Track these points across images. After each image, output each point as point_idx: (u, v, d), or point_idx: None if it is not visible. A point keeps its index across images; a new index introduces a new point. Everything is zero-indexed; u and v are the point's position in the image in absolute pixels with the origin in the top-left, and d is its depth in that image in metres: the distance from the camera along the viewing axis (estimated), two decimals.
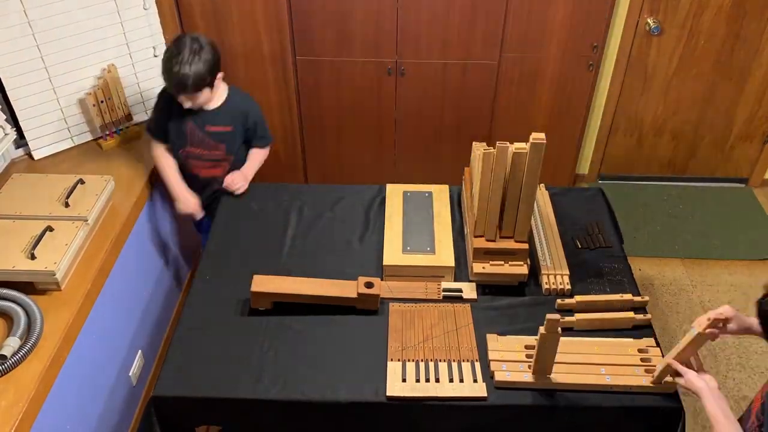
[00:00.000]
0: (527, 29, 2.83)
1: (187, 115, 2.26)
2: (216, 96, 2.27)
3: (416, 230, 2.11)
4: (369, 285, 1.88)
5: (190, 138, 2.30)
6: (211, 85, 2.18)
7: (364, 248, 2.14)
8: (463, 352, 1.79)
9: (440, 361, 1.76)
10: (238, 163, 2.40)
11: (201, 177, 2.39)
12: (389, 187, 2.31)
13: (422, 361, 1.76)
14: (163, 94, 2.32)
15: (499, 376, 1.71)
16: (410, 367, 1.74)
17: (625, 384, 1.69)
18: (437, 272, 2.00)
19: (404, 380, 1.70)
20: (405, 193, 2.28)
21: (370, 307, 1.90)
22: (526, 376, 1.69)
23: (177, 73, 2.07)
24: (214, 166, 2.37)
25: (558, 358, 1.66)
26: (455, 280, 2.01)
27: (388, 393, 1.67)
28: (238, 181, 2.33)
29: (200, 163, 2.36)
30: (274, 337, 1.83)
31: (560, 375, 1.69)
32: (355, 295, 1.86)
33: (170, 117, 2.29)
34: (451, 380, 1.71)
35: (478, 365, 1.75)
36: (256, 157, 2.44)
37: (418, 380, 1.70)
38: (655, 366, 1.72)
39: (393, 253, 2.02)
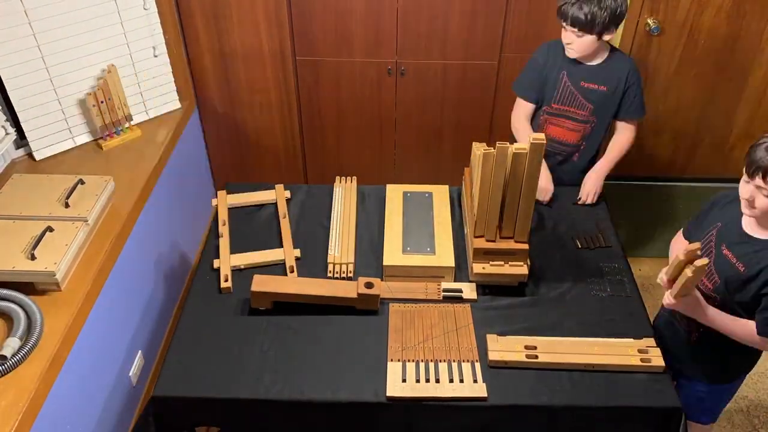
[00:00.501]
0: (527, 29, 2.83)
1: (562, 68, 2.27)
2: (599, 53, 2.25)
3: (416, 231, 2.11)
4: (369, 285, 1.88)
5: (560, 92, 2.29)
6: (600, 34, 2.14)
7: (364, 248, 2.14)
8: (463, 352, 1.79)
9: (440, 361, 1.76)
10: (593, 141, 2.38)
11: (552, 139, 2.36)
12: (389, 187, 2.31)
13: (422, 361, 1.76)
14: (540, 50, 2.34)
15: (493, 356, 1.76)
16: (410, 367, 1.74)
17: (617, 363, 1.72)
18: (437, 272, 2.00)
19: (404, 380, 1.70)
20: (405, 193, 2.28)
21: (370, 307, 1.90)
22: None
23: (569, 9, 2.09)
24: (574, 129, 2.34)
25: (556, 358, 1.67)
26: (455, 281, 2.01)
27: (388, 393, 1.68)
28: (592, 188, 2.32)
29: (560, 121, 2.34)
30: (274, 337, 1.83)
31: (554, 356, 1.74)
32: (355, 295, 1.87)
33: (544, 75, 2.31)
34: (451, 380, 1.71)
35: (478, 365, 1.75)
36: (618, 146, 2.38)
37: (418, 380, 1.70)
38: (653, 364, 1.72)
39: (393, 254, 2.03)
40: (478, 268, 1.96)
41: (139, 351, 2.38)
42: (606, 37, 2.19)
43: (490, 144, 1.84)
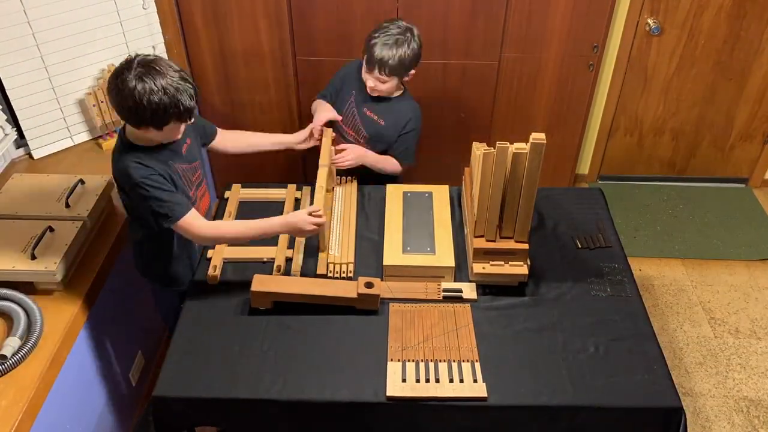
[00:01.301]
0: (527, 29, 2.83)
1: (353, 89, 2.35)
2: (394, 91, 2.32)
3: (416, 230, 2.11)
4: (369, 285, 1.88)
5: (346, 111, 2.36)
6: (401, 77, 2.24)
7: (364, 248, 2.14)
8: (463, 352, 1.79)
9: (440, 361, 1.76)
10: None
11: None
12: (389, 187, 2.31)
13: (422, 361, 1.76)
14: (338, 72, 2.42)
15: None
16: (410, 367, 1.74)
17: None
18: (437, 272, 2.00)
19: (404, 380, 1.70)
20: (405, 193, 2.28)
21: (370, 307, 1.90)
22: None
23: (381, 52, 2.14)
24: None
25: None
26: (455, 281, 2.01)
27: (388, 393, 1.67)
28: (350, 153, 2.28)
29: (339, 140, 2.39)
30: (274, 337, 1.83)
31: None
32: (355, 295, 1.86)
33: (340, 88, 2.39)
34: (451, 380, 1.71)
35: (478, 365, 1.74)
36: (386, 158, 2.39)
37: (418, 380, 1.70)
38: None
39: (393, 254, 2.02)
40: (478, 268, 1.96)
41: (139, 351, 2.38)
42: (406, 79, 2.27)
43: (490, 144, 1.84)
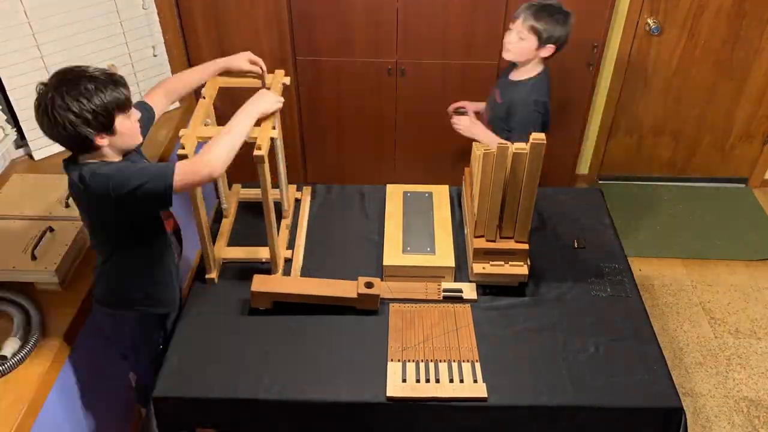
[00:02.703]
0: None
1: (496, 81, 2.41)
2: (527, 68, 2.28)
3: (416, 230, 2.11)
4: (369, 285, 1.88)
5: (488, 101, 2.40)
6: (541, 40, 2.16)
7: (364, 248, 2.14)
8: (463, 352, 1.79)
9: (440, 361, 1.76)
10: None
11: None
12: (389, 187, 2.31)
13: (422, 361, 1.76)
14: None
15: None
16: (410, 367, 1.74)
17: None
18: (437, 272, 2.00)
19: (404, 380, 1.70)
20: (405, 193, 2.28)
21: (370, 307, 1.90)
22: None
23: (543, 9, 2.14)
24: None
25: None
26: (455, 281, 2.01)
27: (389, 393, 1.67)
28: (462, 122, 2.35)
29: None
30: (274, 338, 1.83)
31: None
32: (355, 295, 1.86)
33: None
34: (451, 380, 1.71)
35: (478, 365, 1.74)
36: (495, 141, 2.24)
37: (418, 380, 1.70)
38: None
39: (393, 254, 2.02)
40: (478, 268, 1.96)
41: None
42: (543, 54, 2.21)
43: None
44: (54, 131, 1.53)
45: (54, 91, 1.50)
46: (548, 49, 2.20)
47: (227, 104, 2.43)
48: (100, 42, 2.44)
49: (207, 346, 1.81)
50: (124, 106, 1.61)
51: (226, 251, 2.07)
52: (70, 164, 1.64)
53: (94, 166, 1.58)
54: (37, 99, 1.52)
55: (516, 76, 2.29)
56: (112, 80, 1.58)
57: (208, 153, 1.65)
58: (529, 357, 1.79)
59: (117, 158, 1.65)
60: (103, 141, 1.57)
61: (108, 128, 1.57)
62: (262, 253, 2.03)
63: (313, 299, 1.88)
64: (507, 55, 2.25)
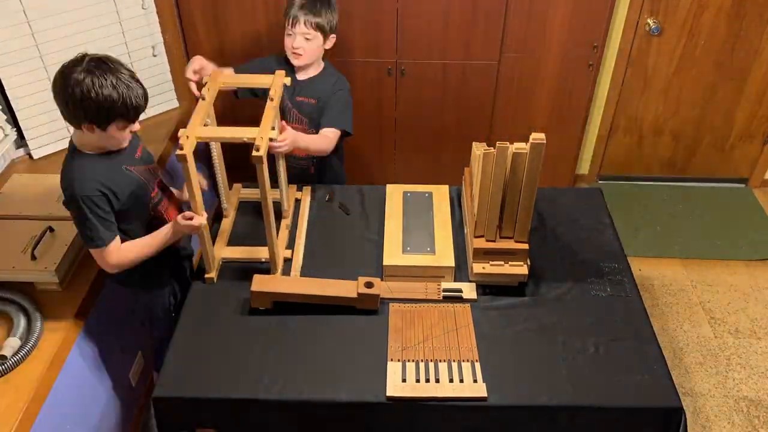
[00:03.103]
0: (527, 29, 2.83)
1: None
2: (314, 65, 2.31)
3: (416, 230, 2.11)
4: (369, 285, 1.88)
5: (284, 109, 2.32)
6: (326, 34, 2.22)
7: (364, 248, 2.14)
8: (463, 352, 1.79)
9: (440, 361, 1.76)
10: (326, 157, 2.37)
11: (289, 156, 2.27)
12: (389, 187, 2.31)
13: (422, 361, 1.76)
14: (261, 63, 2.37)
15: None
16: (410, 367, 1.74)
17: None
18: (437, 272, 2.00)
19: (404, 380, 1.70)
20: (405, 193, 2.28)
21: (370, 307, 1.90)
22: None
23: (302, 3, 2.15)
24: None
25: None
26: (455, 281, 2.01)
27: (388, 393, 1.67)
28: (288, 137, 2.01)
29: None
30: (274, 337, 1.83)
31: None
32: (355, 295, 1.86)
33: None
34: (451, 380, 1.71)
35: (478, 365, 1.74)
36: (317, 136, 2.26)
37: (418, 380, 1.70)
38: None
39: (393, 254, 2.02)
40: (478, 268, 1.96)
41: (139, 351, 2.38)
42: (327, 46, 2.25)
43: (490, 144, 1.84)
44: (59, 90, 1.58)
45: (89, 62, 1.57)
46: (332, 39, 2.26)
47: (228, 107, 2.44)
48: (100, 42, 2.44)
49: (207, 346, 1.81)
50: (127, 120, 1.67)
51: (225, 251, 2.07)
52: (66, 159, 1.76)
53: (78, 174, 1.69)
54: (72, 61, 1.58)
55: (305, 75, 2.32)
56: (136, 93, 1.63)
57: (119, 259, 1.79)
58: (529, 357, 1.79)
59: (92, 151, 1.72)
60: (90, 130, 1.63)
61: (99, 125, 1.63)
62: (262, 253, 2.03)
63: (313, 299, 1.88)
64: (299, 61, 2.25)
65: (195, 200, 1.81)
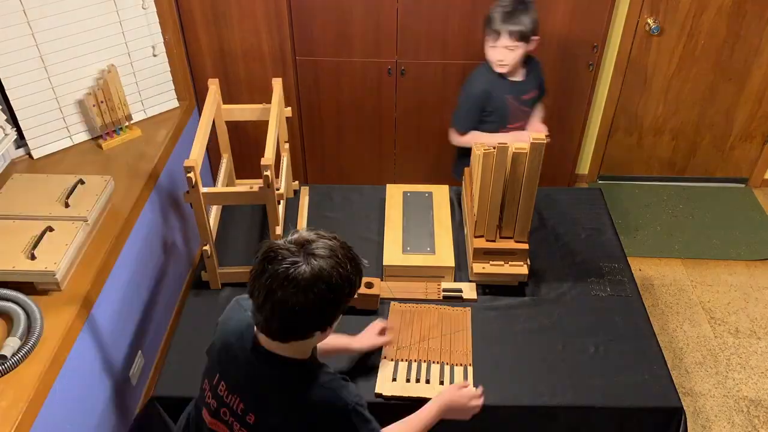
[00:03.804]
0: None
1: (504, 92, 2.32)
2: (519, 64, 2.33)
3: (416, 230, 2.11)
4: (369, 285, 1.88)
5: (512, 114, 2.36)
6: (528, 41, 2.22)
7: (364, 248, 2.13)
8: (458, 356, 1.78)
9: (434, 362, 1.76)
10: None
11: None
12: (389, 187, 2.31)
13: (415, 361, 1.76)
14: (473, 92, 2.35)
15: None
16: (402, 366, 1.74)
17: None
18: (437, 272, 2.00)
19: (395, 379, 1.71)
20: (405, 193, 2.28)
21: (369, 308, 1.90)
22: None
23: (504, 18, 2.16)
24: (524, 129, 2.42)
25: None
26: (455, 281, 2.01)
27: (377, 390, 1.68)
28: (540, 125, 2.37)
29: (514, 133, 2.38)
30: None
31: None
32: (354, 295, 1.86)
33: (486, 101, 2.33)
34: (441, 383, 1.71)
35: (471, 369, 1.74)
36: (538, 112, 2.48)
37: (408, 380, 1.70)
38: None
39: (393, 253, 2.02)
40: (478, 268, 1.96)
41: (139, 351, 2.38)
42: (530, 47, 2.26)
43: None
44: (309, 303, 1.21)
45: (337, 257, 1.24)
46: (534, 41, 2.25)
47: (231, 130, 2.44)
48: (100, 42, 2.44)
49: (207, 346, 1.80)
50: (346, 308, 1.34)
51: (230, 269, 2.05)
52: (298, 381, 1.31)
53: (341, 383, 1.33)
54: (282, 256, 1.21)
55: (519, 76, 2.35)
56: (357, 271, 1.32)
57: None
58: (529, 357, 1.79)
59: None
60: (323, 335, 1.32)
61: (332, 321, 1.31)
62: None
63: None
64: (504, 69, 2.28)
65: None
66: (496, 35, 2.20)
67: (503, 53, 2.23)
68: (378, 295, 1.88)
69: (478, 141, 2.19)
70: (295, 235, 1.26)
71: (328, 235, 1.28)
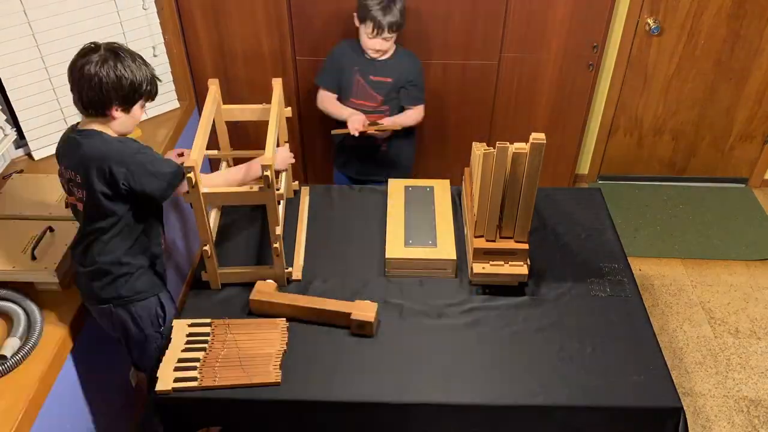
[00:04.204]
0: (527, 29, 2.83)
1: (354, 66, 2.50)
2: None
3: (418, 224, 2.12)
4: (360, 326, 1.81)
5: (356, 89, 2.52)
6: (401, 29, 2.41)
7: (364, 247, 2.14)
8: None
9: None
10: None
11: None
12: (391, 181, 2.32)
13: None
14: (334, 51, 2.57)
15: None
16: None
17: None
18: (439, 265, 2.01)
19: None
20: (406, 187, 2.29)
21: (366, 334, 1.86)
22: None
23: (384, 14, 2.31)
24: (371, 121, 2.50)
25: None
26: (455, 279, 2.02)
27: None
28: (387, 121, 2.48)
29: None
30: None
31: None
32: (349, 326, 1.84)
33: (340, 71, 2.54)
34: None
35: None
36: (414, 113, 2.59)
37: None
38: None
39: (395, 247, 2.03)
40: (478, 268, 1.96)
41: None
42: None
43: (490, 144, 1.84)
44: (83, 84, 1.62)
45: (108, 51, 1.63)
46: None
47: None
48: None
49: None
50: (150, 95, 1.75)
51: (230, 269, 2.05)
52: (85, 139, 1.71)
53: (118, 137, 1.72)
54: (82, 52, 1.63)
55: (382, 56, 2.50)
56: (153, 71, 1.74)
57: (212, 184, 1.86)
58: (529, 357, 1.79)
59: (113, 135, 1.74)
60: (116, 114, 1.68)
61: (128, 105, 1.70)
62: (265, 272, 1.99)
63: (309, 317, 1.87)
64: (379, 56, 2.47)
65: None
66: (377, 28, 2.33)
67: (381, 43, 2.41)
68: (372, 327, 1.83)
69: (325, 105, 2.60)
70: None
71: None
